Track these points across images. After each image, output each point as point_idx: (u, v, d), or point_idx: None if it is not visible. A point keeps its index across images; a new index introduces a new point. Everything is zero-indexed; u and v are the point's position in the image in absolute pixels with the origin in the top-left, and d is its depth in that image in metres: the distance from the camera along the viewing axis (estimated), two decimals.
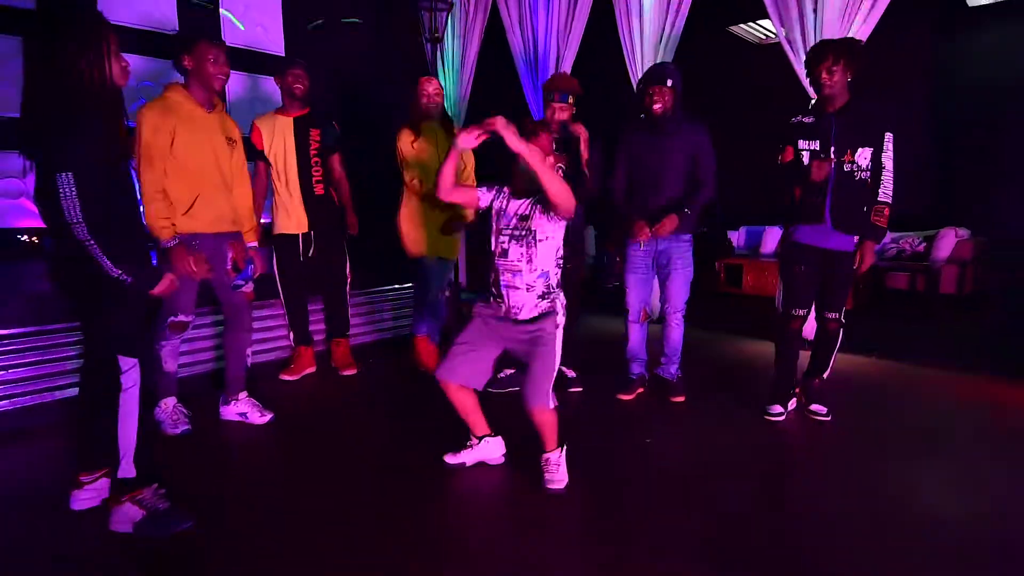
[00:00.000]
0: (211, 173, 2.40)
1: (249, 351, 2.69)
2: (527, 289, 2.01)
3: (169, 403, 2.52)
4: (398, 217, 3.25)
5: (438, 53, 4.99)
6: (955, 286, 5.35)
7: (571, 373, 3.11)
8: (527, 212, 2.02)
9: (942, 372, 3.40)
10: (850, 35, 3.27)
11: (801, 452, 2.47)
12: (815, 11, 3.43)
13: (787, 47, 3.63)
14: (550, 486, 2.06)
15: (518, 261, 2.01)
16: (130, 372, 1.77)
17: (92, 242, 1.60)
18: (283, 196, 3.16)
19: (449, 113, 3.58)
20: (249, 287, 2.58)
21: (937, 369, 3.45)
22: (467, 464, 2.22)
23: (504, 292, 2.03)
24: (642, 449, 2.43)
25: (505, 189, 2.09)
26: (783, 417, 2.74)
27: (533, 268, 2.01)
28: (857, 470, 2.22)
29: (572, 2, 4.40)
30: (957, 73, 5.82)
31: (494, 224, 2.09)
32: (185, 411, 2.55)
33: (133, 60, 1.86)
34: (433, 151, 3.14)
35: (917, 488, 2.08)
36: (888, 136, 2.49)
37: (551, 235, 2.02)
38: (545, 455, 2.10)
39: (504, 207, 2.07)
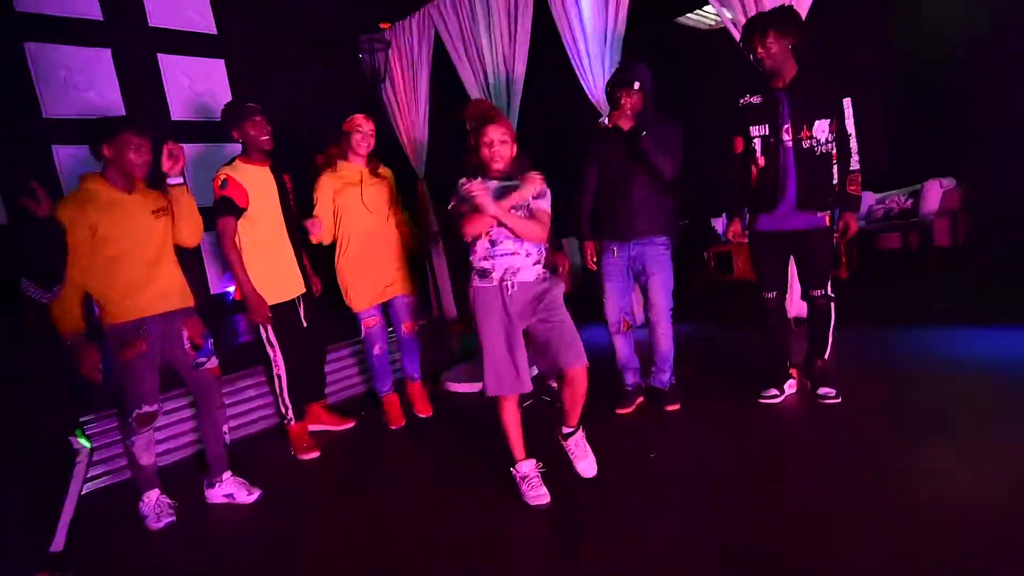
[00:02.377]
0: (142, 254, 2.29)
1: (226, 428, 2.56)
2: (525, 255, 2.08)
3: (152, 496, 2.40)
4: (336, 269, 3.03)
5: (387, 92, 4.96)
6: (949, 237, 5.23)
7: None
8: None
9: (950, 331, 3.27)
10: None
11: (811, 442, 2.33)
12: None
13: (732, 29, 3.56)
14: (586, 472, 2.18)
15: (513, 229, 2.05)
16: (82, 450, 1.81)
17: None
18: (271, 258, 2.80)
19: (404, 156, 3.47)
20: (213, 363, 2.47)
21: (944, 328, 3.31)
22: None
23: (499, 261, 2.06)
24: (645, 463, 2.30)
25: (477, 180, 2.04)
26: (779, 399, 2.64)
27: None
28: (871, 458, 2.08)
29: (512, 22, 4.36)
30: (921, 18, 5.73)
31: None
32: (170, 502, 2.42)
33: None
34: (356, 194, 2.96)
35: (940, 476, 1.94)
36: (847, 101, 2.41)
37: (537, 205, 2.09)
38: (573, 436, 2.18)
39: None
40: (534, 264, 2.11)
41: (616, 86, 2.69)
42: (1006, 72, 5.12)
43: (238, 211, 2.69)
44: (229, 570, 2.04)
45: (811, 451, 2.24)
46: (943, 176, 5.36)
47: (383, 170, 3.14)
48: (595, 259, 2.88)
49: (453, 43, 4.68)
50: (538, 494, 2.10)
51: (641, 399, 2.92)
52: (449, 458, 2.67)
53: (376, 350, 3.12)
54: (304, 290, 2.93)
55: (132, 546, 2.27)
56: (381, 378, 3.20)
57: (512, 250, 2.07)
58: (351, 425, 3.25)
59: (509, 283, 2.07)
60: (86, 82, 4.95)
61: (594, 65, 4.08)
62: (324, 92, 4.92)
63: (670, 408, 2.79)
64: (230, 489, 2.53)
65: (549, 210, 2.10)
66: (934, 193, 5.28)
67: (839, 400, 2.53)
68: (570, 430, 2.19)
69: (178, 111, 5.41)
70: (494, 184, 2.06)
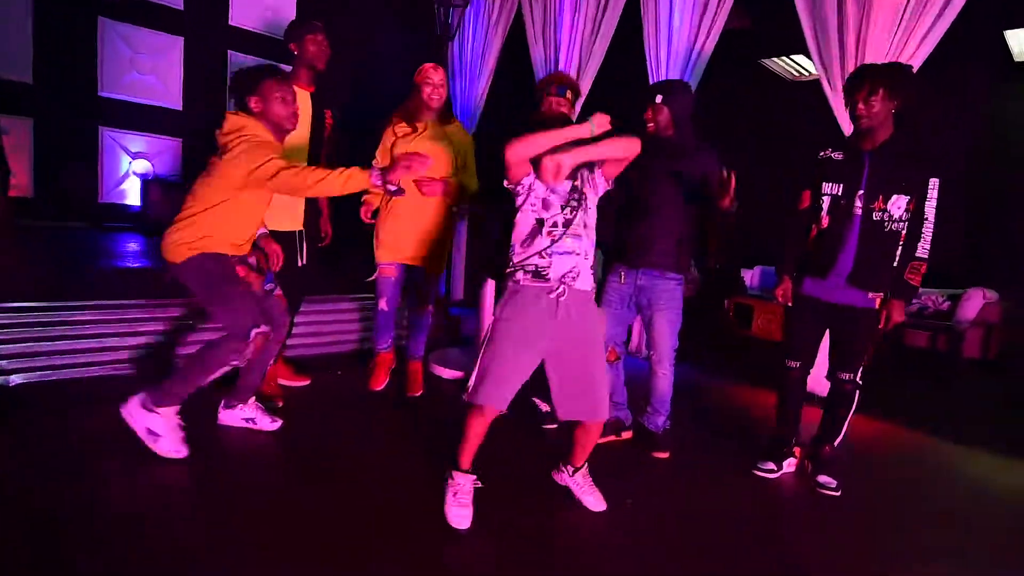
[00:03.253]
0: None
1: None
2: (584, 256, 1.88)
3: (169, 413, 2.12)
4: (376, 223, 2.91)
5: (452, 52, 4.77)
6: (979, 350, 5.01)
7: (545, 407, 2.80)
8: (577, 184, 1.90)
9: (964, 448, 3.06)
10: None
11: (798, 531, 2.14)
12: (857, 44, 3.16)
13: (825, 83, 3.36)
14: (597, 508, 2.06)
15: (581, 226, 1.87)
16: None
17: None
18: None
19: (455, 114, 3.27)
20: (278, 290, 2.44)
21: (960, 444, 3.11)
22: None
23: (557, 260, 1.83)
24: (617, 507, 2.12)
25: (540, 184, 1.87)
26: (774, 475, 2.46)
27: (590, 235, 1.91)
28: (854, 559, 1.91)
29: (599, 13, 4.16)
30: (998, 128, 5.53)
31: (547, 197, 1.86)
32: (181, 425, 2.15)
33: None
34: (427, 149, 2.77)
35: None
36: (933, 182, 2.18)
37: (594, 203, 1.94)
38: (579, 472, 2.08)
39: (551, 193, 1.87)
40: (591, 269, 1.89)
41: (645, 100, 2.49)
42: None
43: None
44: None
45: (795, 540, 2.06)
46: (987, 287, 5.15)
47: (452, 128, 2.92)
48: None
49: (533, 21, 4.48)
50: (461, 514, 1.87)
51: (614, 436, 2.70)
52: (427, 440, 2.50)
53: (383, 304, 2.94)
54: (301, 228, 2.75)
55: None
56: (381, 334, 3.03)
57: (572, 248, 1.84)
58: (306, 383, 3.05)
59: (565, 288, 1.84)
60: None
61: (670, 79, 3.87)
62: (390, 38, 4.75)
63: (658, 455, 2.59)
64: (252, 413, 2.43)
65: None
66: (975, 302, 5.05)
67: (838, 493, 2.35)
68: (577, 467, 2.09)
69: (238, 16, 5.27)
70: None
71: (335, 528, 1.80)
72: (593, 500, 2.07)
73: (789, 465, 2.53)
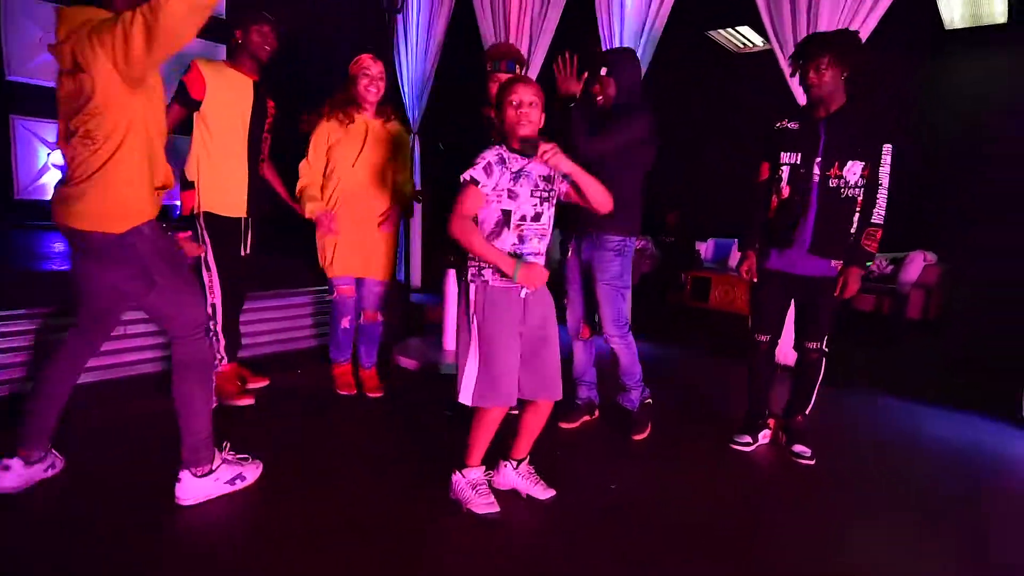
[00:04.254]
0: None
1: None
2: (545, 254, 1.84)
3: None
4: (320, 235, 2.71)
5: (399, 27, 4.56)
6: (920, 311, 5.27)
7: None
8: (550, 174, 1.83)
9: (914, 405, 3.21)
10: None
11: (779, 500, 2.16)
12: (808, 15, 3.17)
13: (779, 53, 3.37)
14: (549, 494, 1.96)
15: (547, 224, 1.82)
16: None
17: None
18: (220, 167, 2.48)
19: (399, 101, 3.09)
20: None
21: (911, 402, 3.26)
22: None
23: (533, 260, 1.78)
24: (598, 489, 2.09)
25: (501, 151, 1.74)
26: (751, 448, 2.49)
27: (549, 233, 1.85)
28: (834, 527, 1.94)
29: None
30: (933, 96, 5.75)
31: (513, 187, 1.74)
32: None
33: None
34: (354, 151, 2.62)
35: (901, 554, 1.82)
36: (887, 148, 2.20)
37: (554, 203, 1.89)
38: (523, 464, 1.98)
39: (519, 169, 1.75)
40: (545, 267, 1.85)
41: (592, 69, 2.39)
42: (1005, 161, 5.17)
43: (189, 101, 2.40)
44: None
45: (778, 510, 2.07)
46: (929, 250, 5.40)
47: (392, 124, 2.76)
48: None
49: None
50: (488, 502, 1.84)
51: (588, 417, 2.69)
52: (398, 440, 2.39)
53: (345, 323, 2.81)
54: (246, 215, 2.59)
55: None
56: (340, 349, 2.89)
57: (538, 250, 1.80)
58: (265, 384, 2.89)
59: (529, 289, 1.79)
60: None
61: None
62: (334, 12, 4.45)
63: (636, 437, 2.55)
64: (232, 471, 1.91)
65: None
66: (916, 264, 5.30)
67: (813, 462, 2.39)
68: (520, 459, 1.98)
69: None
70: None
71: (329, 531, 1.69)
72: (542, 489, 1.97)
73: (764, 437, 2.56)
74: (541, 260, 1.82)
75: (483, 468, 1.91)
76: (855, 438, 2.79)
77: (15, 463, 1.77)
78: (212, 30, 2.96)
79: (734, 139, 2.49)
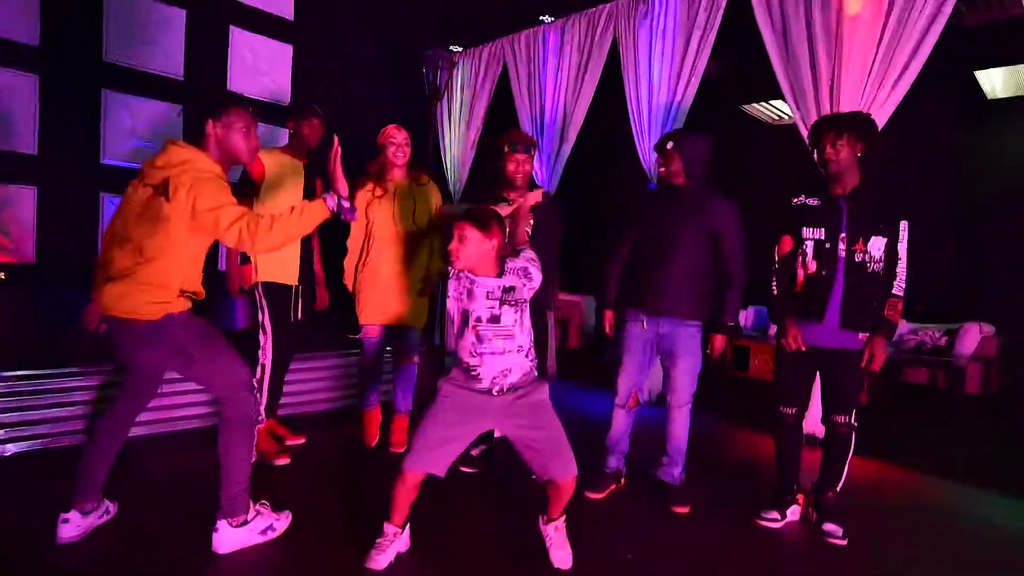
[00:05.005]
0: None
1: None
2: (517, 351, 1.87)
3: None
4: (355, 281, 2.95)
5: (440, 110, 4.94)
6: (979, 386, 4.98)
7: None
8: (511, 284, 1.89)
9: (974, 488, 3.01)
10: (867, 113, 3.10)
11: None
12: (831, 89, 3.28)
13: (801, 127, 3.47)
14: (562, 564, 1.96)
15: (512, 325, 1.87)
16: None
17: None
18: None
19: (424, 167, 3.37)
20: None
21: (969, 485, 3.05)
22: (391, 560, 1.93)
23: (488, 360, 1.84)
24: (620, 567, 2.07)
25: (461, 273, 1.90)
26: (779, 524, 2.41)
27: (524, 330, 1.90)
28: None
29: (582, 67, 4.34)
30: (979, 165, 5.66)
31: (469, 299, 1.87)
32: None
33: None
34: (387, 210, 2.87)
35: None
36: (904, 224, 2.26)
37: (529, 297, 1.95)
38: (553, 523, 2.00)
39: (476, 284, 1.87)
40: (527, 357, 1.90)
41: (657, 149, 2.59)
42: None
43: (249, 182, 2.67)
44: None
45: None
46: (983, 320, 5.16)
47: (425, 180, 3.02)
48: (611, 327, 2.74)
49: (519, 79, 4.66)
50: (379, 557, 1.90)
51: (615, 486, 2.69)
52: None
53: (367, 362, 3.00)
54: (298, 284, 2.81)
55: None
56: (368, 392, 3.05)
57: (502, 348, 1.85)
58: (302, 441, 3.04)
59: (498, 388, 1.87)
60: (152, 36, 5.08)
61: (653, 131, 4.00)
62: (381, 99, 4.91)
63: (678, 509, 2.52)
64: (266, 522, 2.04)
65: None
66: (972, 336, 5.06)
67: (844, 542, 2.29)
68: (552, 518, 2.02)
69: (236, 83, 5.48)
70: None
71: None
72: (560, 555, 1.99)
73: (793, 513, 2.48)
74: (510, 357, 1.86)
75: (398, 530, 1.95)
76: (896, 519, 2.62)
77: (73, 515, 1.93)
78: (275, 116, 3.35)
79: (768, 211, 2.58)
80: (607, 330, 2.76)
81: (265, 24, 5.54)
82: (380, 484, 2.58)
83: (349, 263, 2.95)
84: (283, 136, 3.00)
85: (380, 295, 2.90)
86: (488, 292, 1.86)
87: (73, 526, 1.93)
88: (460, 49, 4.99)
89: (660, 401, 2.78)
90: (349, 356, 3.72)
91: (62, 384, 2.74)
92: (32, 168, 4.54)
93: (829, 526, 2.34)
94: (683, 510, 2.52)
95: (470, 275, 1.87)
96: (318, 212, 1.87)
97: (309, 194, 2.82)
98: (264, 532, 2.00)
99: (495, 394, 1.87)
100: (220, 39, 5.34)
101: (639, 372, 2.66)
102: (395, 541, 1.95)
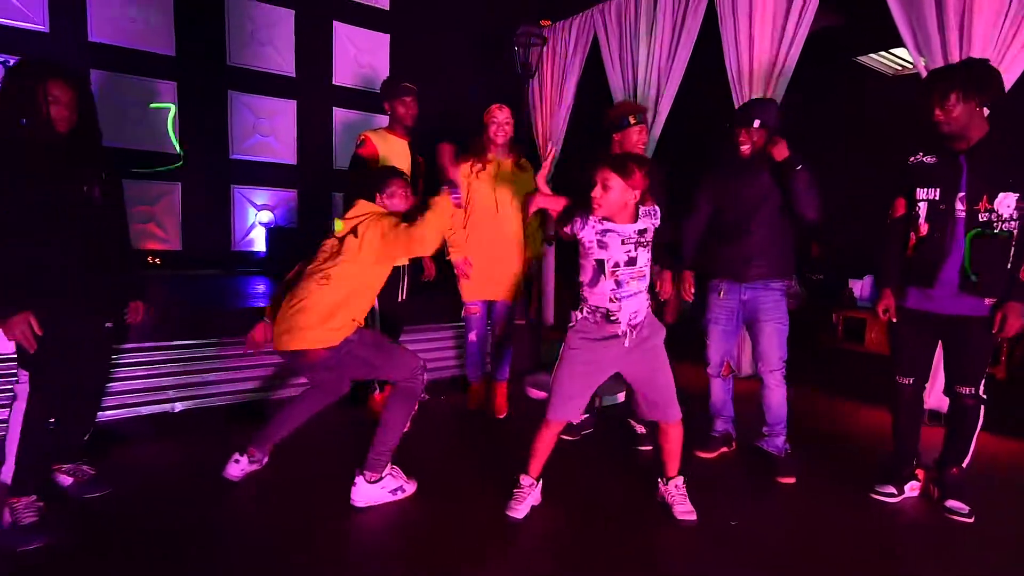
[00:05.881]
0: None
1: None
2: (645, 291, 2.01)
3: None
4: (458, 255, 3.08)
5: (532, 88, 4.98)
6: None
7: (641, 429, 2.84)
8: (645, 226, 2.00)
9: None
10: (1003, 64, 2.77)
11: (921, 562, 1.99)
12: (960, 33, 2.96)
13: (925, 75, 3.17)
14: (686, 516, 2.10)
15: (644, 266, 1.99)
16: (22, 384, 1.99)
17: None
18: None
19: (525, 148, 3.44)
20: None
21: None
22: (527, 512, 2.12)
23: (626, 303, 1.96)
24: (724, 529, 2.10)
25: (593, 220, 1.96)
26: (896, 500, 2.32)
27: (648, 270, 2.03)
28: None
29: (675, 34, 4.19)
30: None
31: (601, 248, 1.96)
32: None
33: None
34: (487, 189, 3.00)
35: None
36: None
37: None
38: (673, 481, 2.16)
39: (612, 232, 1.95)
40: (647, 298, 2.03)
41: (736, 123, 2.54)
42: None
43: (361, 163, 2.89)
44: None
45: (919, 569, 1.92)
46: None
47: (524, 163, 3.13)
48: (692, 290, 2.75)
49: (610, 50, 4.59)
50: (518, 507, 2.10)
51: (726, 449, 2.78)
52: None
53: (472, 336, 3.19)
54: (405, 263, 3.00)
55: None
56: (472, 366, 3.26)
57: (636, 289, 1.97)
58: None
59: (629, 329, 1.98)
60: (267, 37, 5.53)
61: (756, 96, 3.79)
62: (476, 79, 5.04)
63: (784, 480, 2.50)
64: (396, 483, 2.26)
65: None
66: None
67: (971, 520, 2.16)
68: (670, 476, 2.18)
69: (340, 76, 5.84)
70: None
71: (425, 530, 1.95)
72: (683, 509, 2.12)
73: (912, 489, 2.37)
74: (642, 297, 1.99)
75: (533, 480, 2.15)
76: None
77: (243, 459, 2.31)
78: (376, 104, 3.55)
79: (887, 170, 2.41)
80: (686, 292, 2.75)
81: (364, 16, 5.85)
82: (491, 448, 2.80)
83: (452, 238, 3.10)
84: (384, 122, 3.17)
85: (481, 274, 3.07)
86: (624, 239, 1.94)
87: (239, 467, 2.31)
88: (550, 23, 4.99)
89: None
90: (459, 328, 3.95)
91: (217, 352, 3.14)
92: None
93: (952, 503, 2.22)
94: (789, 480, 2.50)
95: (608, 223, 1.95)
96: (444, 207, 2.22)
97: (414, 172, 3.00)
98: (394, 492, 2.24)
99: (625, 335, 1.98)
100: (325, 34, 5.71)
101: (727, 340, 2.69)
102: (531, 492, 2.13)
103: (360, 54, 5.94)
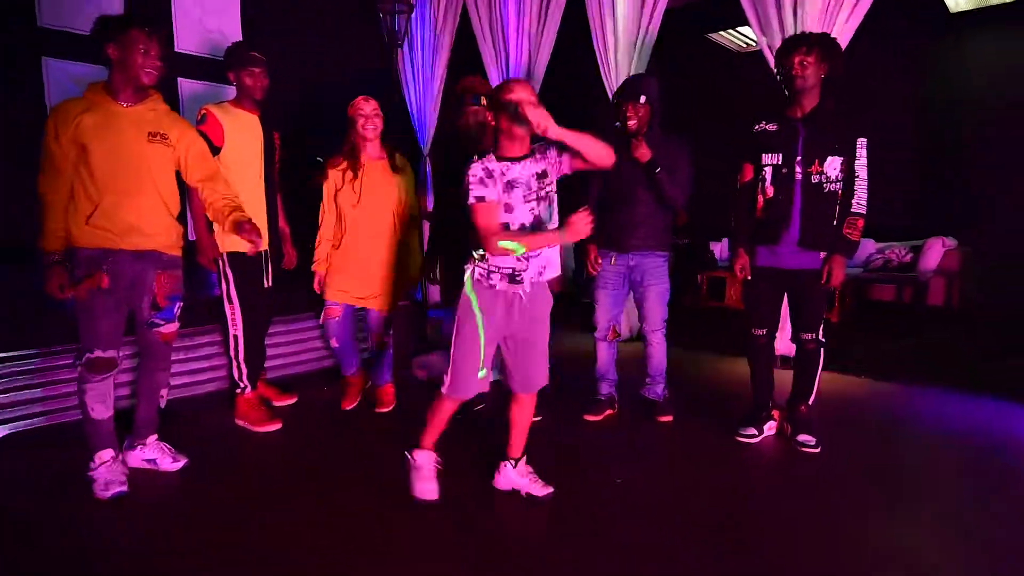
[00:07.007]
0: (121, 177, 2.03)
1: (164, 391, 2.33)
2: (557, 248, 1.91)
3: (104, 457, 2.09)
4: (324, 268, 2.88)
5: (403, 59, 4.79)
6: (943, 298, 5.21)
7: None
8: (543, 168, 1.83)
9: (937, 393, 3.21)
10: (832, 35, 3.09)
11: (782, 489, 2.23)
12: (795, 13, 3.25)
13: (767, 52, 3.45)
14: (543, 494, 2.02)
15: (547, 222, 1.86)
16: None
17: None
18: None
19: (409, 126, 3.28)
20: (169, 328, 2.23)
21: (931, 389, 3.26)
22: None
23: (534, 262, 1.83)
24: (610, 487, 2.19)
25: (485, 163, 1.78)
26: (756, 439, 2.58)
27: (555, 223, 1.88)
28: (838, 514, 1.99)
29: (543, 6, 4.21)
30: (942, 79, 5.72)
31: (508, 200, 1.80)
32: (124, 468, 2.15)
33: None
34: (356, 196, 2.75)
35: (906, 537, 1.86)
36: (861, 142, 2.32)
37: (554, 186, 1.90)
38: (522, 462, 2.06)
39: (509, 178, 1.79)
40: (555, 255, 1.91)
41: (622, 98, 2.64)
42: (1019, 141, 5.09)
43: (213, 149, 2.49)
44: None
45: (780, 499, 2.14)
46: (947, 235, 5.34)
47: (400, 160, 2.91)
48: (598, 263, 2.81)
49: (480, 20, 4.51)
50: (426, 487, 1.98)
51: (611, 411, 2.90)
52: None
53: (334, 342, 2.95)
54: (266, 248, 2.72)
55: (64, 509, 2.02)
56: (344, 362, 3.03)
57: (541, 253, 1.86)
58: (293, 400, 3.08)
59: (531, 284, 1.86)
60: None
61: (620, 70, 3.95)
62: (337, 49, 4.72)
63: (663, 419, 2.79)
64: (153, 454, 2.28)
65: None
66: (935, 251, 5.25)
67: (818, 450, 2.45)
68: (517, 458, 2.07)
69: (183, 42, 5.20)
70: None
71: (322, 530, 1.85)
72: (540, 487, 2.03)
73: (770, 428, 2.64)
74: (549, 252, 1.87)
75: (433, 454, 2.03)
76: (868, 427, 2.82)
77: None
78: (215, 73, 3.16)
79: (734, 139, 2.64)
80: (591, 266, 2.83)
81: None
82: (370, 442, 2.67)
83: (321, 251, 2.86)
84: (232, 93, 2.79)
85: (347, 273, 2.84)
86: (526, 192, 1.81)
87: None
88: None
89: (639, 338, 2.91)
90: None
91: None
92: None
93: (803, 436, 2.50)
94: (667, 419, 2.78)
95: (507, 164, 1.81)
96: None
97: (269, 151, 2.73)
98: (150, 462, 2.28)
99: (525, 294, 1.86)
100: None
101: (614, 305, 2.83)
102: (435, 467, 2.01)
103: (206, 16, 5.32)
